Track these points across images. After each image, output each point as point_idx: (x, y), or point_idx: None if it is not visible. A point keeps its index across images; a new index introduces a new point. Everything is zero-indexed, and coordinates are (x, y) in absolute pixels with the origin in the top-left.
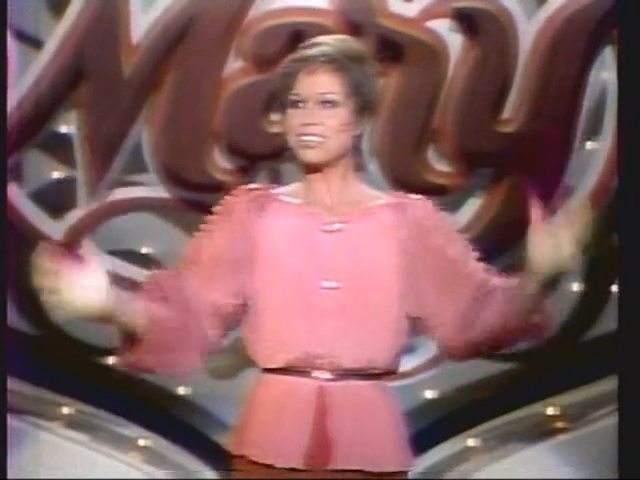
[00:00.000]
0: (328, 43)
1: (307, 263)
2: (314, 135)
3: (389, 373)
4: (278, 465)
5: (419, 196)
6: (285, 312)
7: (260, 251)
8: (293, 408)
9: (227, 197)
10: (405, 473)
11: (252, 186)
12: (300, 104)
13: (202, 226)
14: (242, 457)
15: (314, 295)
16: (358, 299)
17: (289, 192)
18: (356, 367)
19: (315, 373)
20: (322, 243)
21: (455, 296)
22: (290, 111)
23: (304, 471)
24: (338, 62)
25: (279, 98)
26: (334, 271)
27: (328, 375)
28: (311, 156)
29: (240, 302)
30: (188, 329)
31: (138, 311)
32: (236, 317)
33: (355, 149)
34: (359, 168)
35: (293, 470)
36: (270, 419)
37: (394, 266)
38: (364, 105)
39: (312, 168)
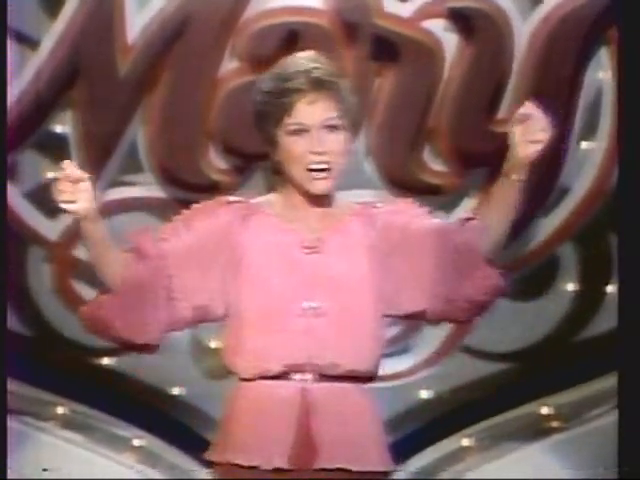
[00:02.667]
0: (312, 68)
1: (287, 281)
2: (324, 163)
3: (369, 378)
4: (263, 466)
5: (380, 203)
6: (266, 327)
7: (244, 264)
8: (277, 410)
9: (208, 202)
10: (387, 473)
11: (232, 199)
12: (304, 132)
13: (181, 214)
14: (226, 464)
15: (295, 314)
16: (338, 315)
17: (268, 204)
18: (337, 375)
19: (297, 376)
20: (301, 262)
21: (429, 261)
22: (290, 139)
23: (289, 471)
24: (331, 86)
25: (263, 125)
26: (313, 291)
27: (310, 377)
28: (321, 188)
29: (218, 305)
30: (159, 294)
31: (115, 258)
32: (207, 316)
33: None
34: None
35: (278, 471)
36: (254, 421)
37: (368, 275)
38: (352, 122)
39: (314, 199)
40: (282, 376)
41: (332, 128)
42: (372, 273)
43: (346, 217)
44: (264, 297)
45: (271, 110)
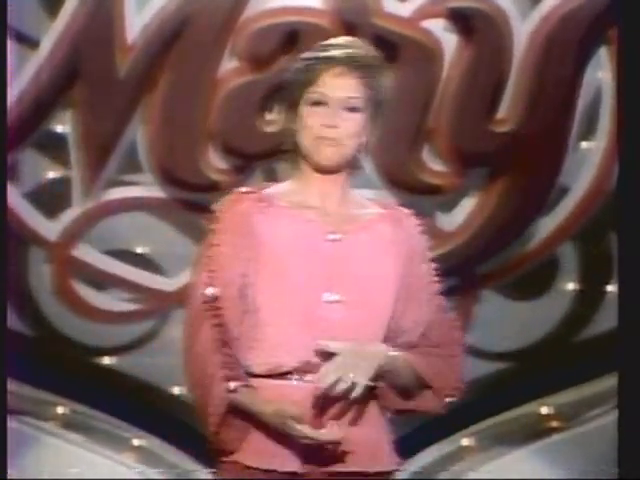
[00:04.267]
0: (352, 46)
1: (309, 272)
2: (332, 139)
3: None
4: (276, 469)
5: (407, 210)
6: (285, 321)
7: (263, 256)
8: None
9: (223, 203)
10: (394, 472)
11: (245, 189)
12: (322, 104)
13: (210, 241)
14: (234, 462)
15: (316, 307)
16: (358, 312)
17: (283, 194)
18: None
19: (308, 377)
20: (324, 253)
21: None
22: (309, 109)
23: (302, 474)
24: (365, 68)
25: (289, 93)
26: (336, 283)
27: None
28: (328, 156)
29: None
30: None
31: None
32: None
33: (356, 157)
34: (355, 173)
35: (291, 474)
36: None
37: (392, 279)
38: (376, 112)
39: (322, 170)
40: (294, 375)
41: (352, 109)
42: (396, 278)
43: (373, 219)
44: (284, 288)
45: (299, 77)
